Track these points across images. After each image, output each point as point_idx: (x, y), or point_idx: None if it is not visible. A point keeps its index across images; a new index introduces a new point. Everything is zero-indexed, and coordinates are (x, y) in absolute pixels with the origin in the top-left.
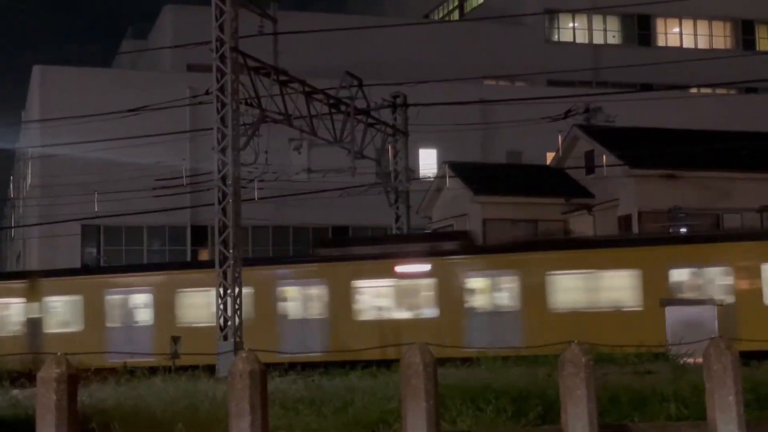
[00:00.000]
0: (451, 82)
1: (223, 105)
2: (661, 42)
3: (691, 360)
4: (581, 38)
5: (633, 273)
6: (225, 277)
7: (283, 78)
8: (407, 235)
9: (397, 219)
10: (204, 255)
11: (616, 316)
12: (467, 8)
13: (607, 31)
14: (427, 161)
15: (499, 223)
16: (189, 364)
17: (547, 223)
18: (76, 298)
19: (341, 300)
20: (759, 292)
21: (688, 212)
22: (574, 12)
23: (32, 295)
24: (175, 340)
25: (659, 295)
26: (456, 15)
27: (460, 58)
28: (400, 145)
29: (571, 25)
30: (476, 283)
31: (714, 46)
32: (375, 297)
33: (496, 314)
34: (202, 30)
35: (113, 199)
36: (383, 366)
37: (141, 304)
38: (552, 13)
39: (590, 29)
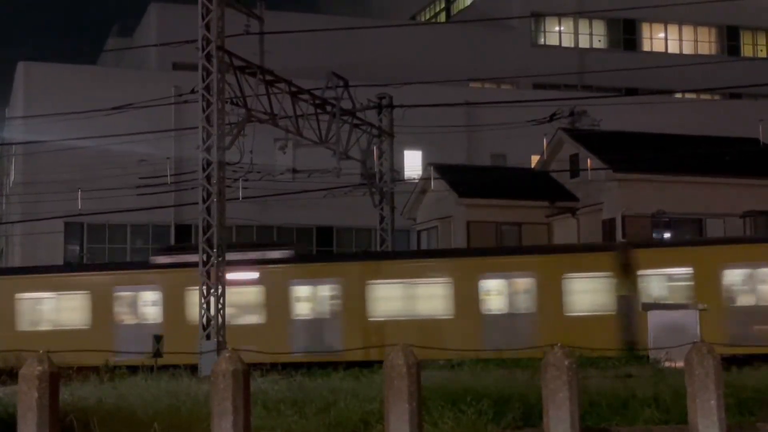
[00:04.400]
0: (437, 84)
1: (209, 104)
2: (646, 47)
3: (672, 364)
4: (567, 42)
5: (446, 282)
6: (208, 277)
7: (268, 78)
8: (240, 243)
9: (382, 220)
10: None
11: (431, 324)
12: (454, 10)
13: (592, 35)
14: (412, 163)
15: (484, 225)
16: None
17: (532, 226)
18: None
19: (175, 307)
20: (559, 302)
21: (672, 217)
22: (560, 15)
23: None
24: (157, 339)
25: (461, 304)
26: (443, 17)
27: (446, 60)
28: (386, 146)
29: (557, 28)
30: (301, 291)
31: (699, 52)
32: None
33: (318, 321)
34: (188, 28)
35: (97, 196)
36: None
37: None
38: (538, 17)
39: (576, 33)
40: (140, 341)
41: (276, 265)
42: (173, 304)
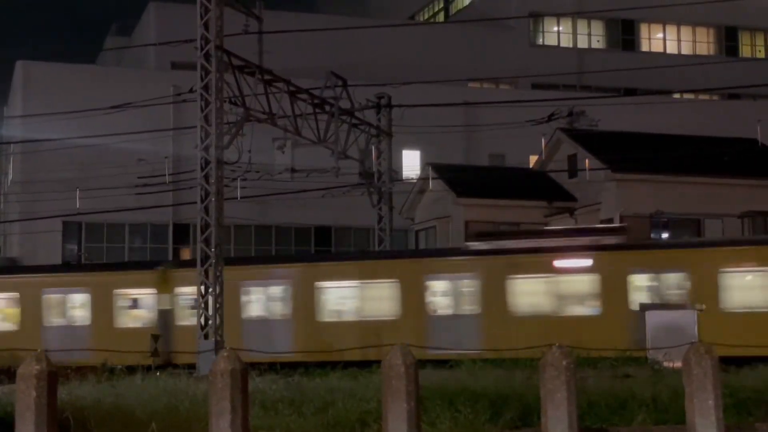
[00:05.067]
0: (436, 84)
1: (207, 103)
2: (645, 47)
3: (670, 364)
4: (566, 42)
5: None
6: (206, 276)
7: (267, 77)
8: (574, 228)
9: (380, 220)
10: (186, 253)
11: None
12: (453, 10)
13: (591, 35)
14: (411, 162)
15: (482, 225)
16: None
17: (530, 226)
18: None
19: (495, 295)
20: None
21: (670, 217)
22: (558, 16)
23: None
24: (155, 338)
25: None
26: (441, 17)
27: (444, 59)
28: (384, 146)
29: (555, 28)
30: (641, 280)
31: (697, 52)
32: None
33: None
34: (187, 28)
35: (95, 196)
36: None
37: None
38: (537, 17)
39: (575, 33)
40: (454, 334)
41: (612, 252)
42: (492, 293)
